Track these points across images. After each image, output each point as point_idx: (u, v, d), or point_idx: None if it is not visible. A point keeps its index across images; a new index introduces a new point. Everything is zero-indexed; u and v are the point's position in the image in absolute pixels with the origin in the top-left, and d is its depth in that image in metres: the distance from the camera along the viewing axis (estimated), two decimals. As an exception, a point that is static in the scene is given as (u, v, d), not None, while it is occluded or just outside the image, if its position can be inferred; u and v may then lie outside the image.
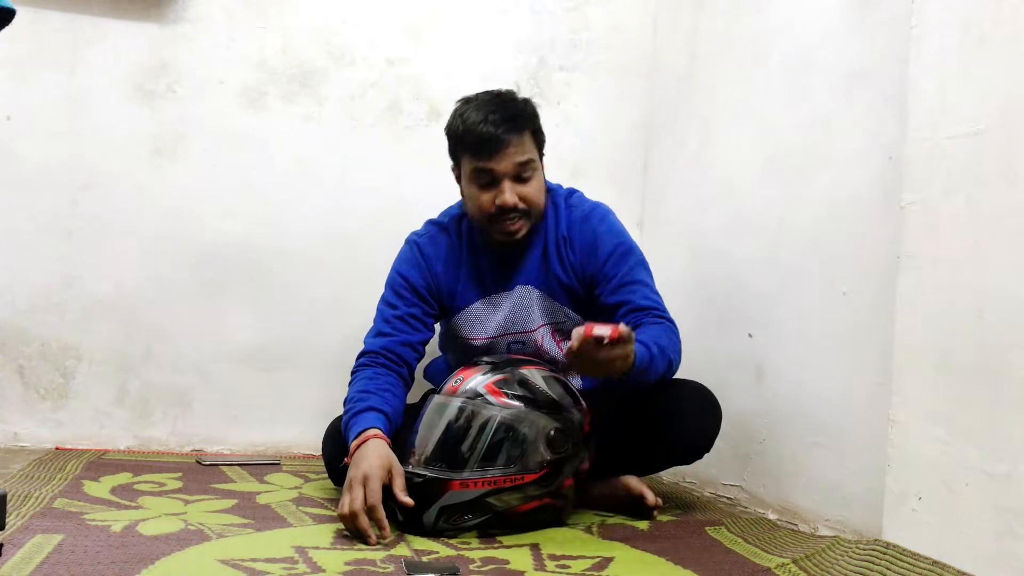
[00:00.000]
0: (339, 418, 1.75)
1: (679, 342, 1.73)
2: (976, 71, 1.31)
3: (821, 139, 1.72)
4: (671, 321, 1.75)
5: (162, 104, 2.21)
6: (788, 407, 1.77)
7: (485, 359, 1.67)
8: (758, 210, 1.91)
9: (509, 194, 1.69)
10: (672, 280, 2.27)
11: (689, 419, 1.73)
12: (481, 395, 1.56)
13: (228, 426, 2.23)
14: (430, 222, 1.90)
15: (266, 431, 2.25)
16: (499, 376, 1.59)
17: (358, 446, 1.53)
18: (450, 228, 1.86)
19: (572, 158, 2.41)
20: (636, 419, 1.73)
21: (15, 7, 1.14)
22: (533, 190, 1.73)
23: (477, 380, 1.58)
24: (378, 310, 1.84)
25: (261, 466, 2.03)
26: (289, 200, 2.27)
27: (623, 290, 1.76)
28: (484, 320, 1.83)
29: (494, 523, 1.53)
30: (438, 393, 1.62)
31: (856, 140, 1.62)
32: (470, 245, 1.83)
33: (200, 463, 2.03)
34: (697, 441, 1.76)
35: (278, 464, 2.07)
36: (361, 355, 1.78)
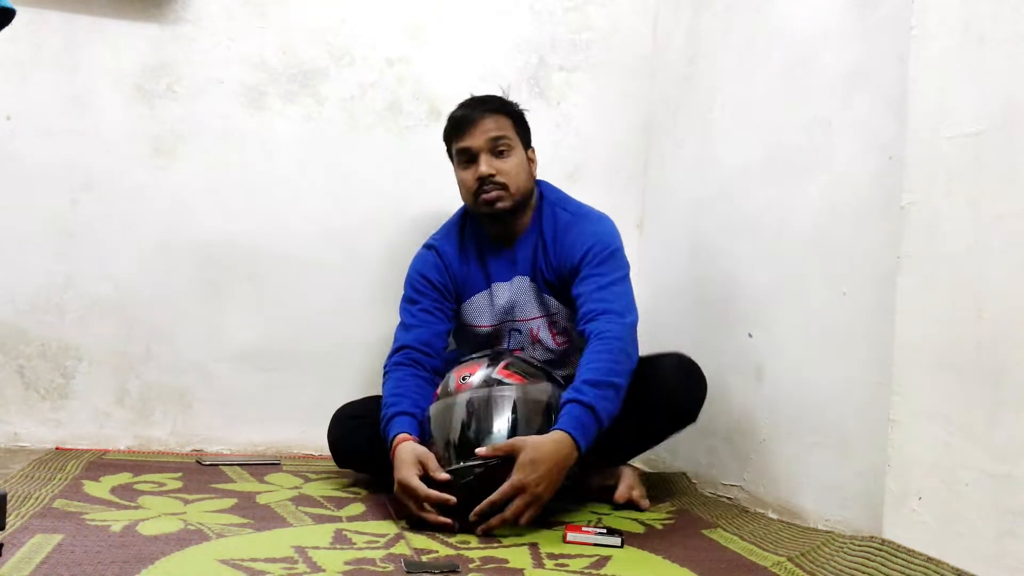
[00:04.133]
0: (345, 405, 1.93)
1: (625, 349, 1.70)
2: (976, 71, 1.31)
3: (821, 139, 1.72)
4: (619, 317, 1.73)
5: (162, 104, 2.21)
6: (788, 407, 1.77)
7: (468, 357, 1.76)
8: (758, 210, 1.91)
9: (484, 165, 1.81)
10: (672, 280, 2.27)
11: (670, 380, 1.79)
12: (499, 380, 1.65)
13: (228, 426, 2.23)
14: (439, 230, 1.99)
15: (266, 431, 2.25)
16: (504, 360, 1.70)
17: (393, 454, 1.63)
18: (456, 228, 1.96)
19: (572, 158, 2.41)
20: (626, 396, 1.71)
21: (15, 7, 1.14)
22: (509, 165, 1.83)
23: (484, 369, 1.67)
24: (401, 310, 1.91)
25: (261, 466, 2.03)
26: (289, 200, 2.27)
27: (585, 283, 1.79)
28: (487, 308, 1.91)
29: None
30: (441, 398, 1.68)
31: (856, 140, 1.62)
32: (475, 239, 1.93)
33: (200, 463, 2.03)
34: (680, 401, 1.80)
35: (278, 464, 2.07)
36: (393, 352, 1.85)
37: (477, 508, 1.51)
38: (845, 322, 1.61)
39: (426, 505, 1.53)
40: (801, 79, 1.80)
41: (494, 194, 1.82)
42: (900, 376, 1.40)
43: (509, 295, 1.90)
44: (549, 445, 1.54)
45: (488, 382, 1.64)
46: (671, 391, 1.79)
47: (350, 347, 2.27)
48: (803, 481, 1.71)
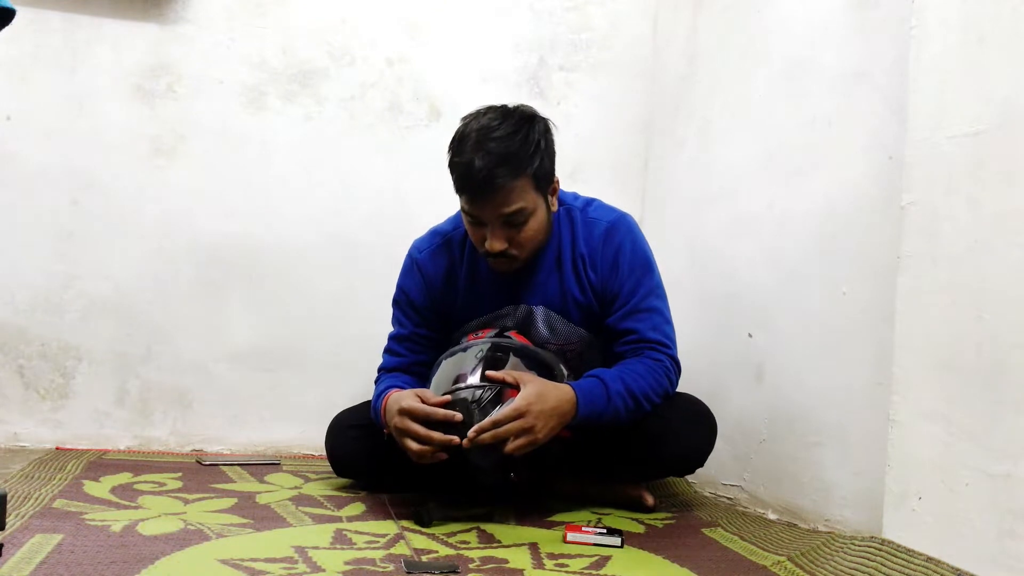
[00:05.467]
0: (342, 413, 1.87)
1: (665, 380, 1.69)
2: (976, 71, 1.31)
3: (821, 139, 1.72)
4: (670, 358, 1.72)
5: (162, 104, 2.21)
6: (788, 407, 1.77)
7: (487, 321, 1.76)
8: (758, 210, 1.91)
9: (494, 241, 1.62)
10: (672, 280, 2.26)
11: (682, 435, 1.72)
12: (507, 336, 1.68)
13: (228, 426, 2.23)
14: (433, 232, 1.85)
15: (266, 431, 2.25)
16: (514, 329, 1.72)
17: (384, 405, 1.63)
18: (453, 241, 1.80)
19: (572, 158, 2.40)
20: (630, 432, 1.69)
21: (15, 7, 1.14)
22: (527, 235, 1.65)
23: (494, 332, 1.69)
24: (393, 315, 1.86)
25: (261, 466, 2.03)
26: (289, 200, 2.27)
27: (633, 317, 1.72)
28: (490, 324, 1.79)
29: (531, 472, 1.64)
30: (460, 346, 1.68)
31: (856, 140, 1.62)
32: (471, 261, 1.78)
33: (200, 463, 2.03)
34: (690, 457, 1.77)
35: (278, 464, 2.07)
36: (381, 369, 1.83)
37: (477, 424, 1.49)
38: (845, 322, 1.61)
39: (432, 433, 1.51)
40: (801, 79, 1.80)
41: (504, 266, 1.68)
42: (900, 376, 1.40)
43: (515, 320, 1.76)
44: (554, 390, 1.55)
45: (499, 335, 1.68)
46: (682, 448, 1.74)
47: (350, 347, 2.27)
48: (803, 481, 1.71)
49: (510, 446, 1.49)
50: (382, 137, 2.33)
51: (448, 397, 1.54)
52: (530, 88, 2.41)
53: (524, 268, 1.73)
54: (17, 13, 1.15)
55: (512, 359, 1.62)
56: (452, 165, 1.63)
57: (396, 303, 1.85)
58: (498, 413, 1.50)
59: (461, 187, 1.62)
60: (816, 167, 1.73)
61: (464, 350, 1.64)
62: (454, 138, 1.64)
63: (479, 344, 1.65)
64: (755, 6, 1.99)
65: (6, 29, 1.14)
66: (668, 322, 1.76)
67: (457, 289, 1.79)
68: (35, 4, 2.13)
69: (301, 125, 2.29)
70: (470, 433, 1.49)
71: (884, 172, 1.52)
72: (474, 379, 1.56)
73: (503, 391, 1.54)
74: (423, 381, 1.72)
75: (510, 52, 2.41)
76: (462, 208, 1.66)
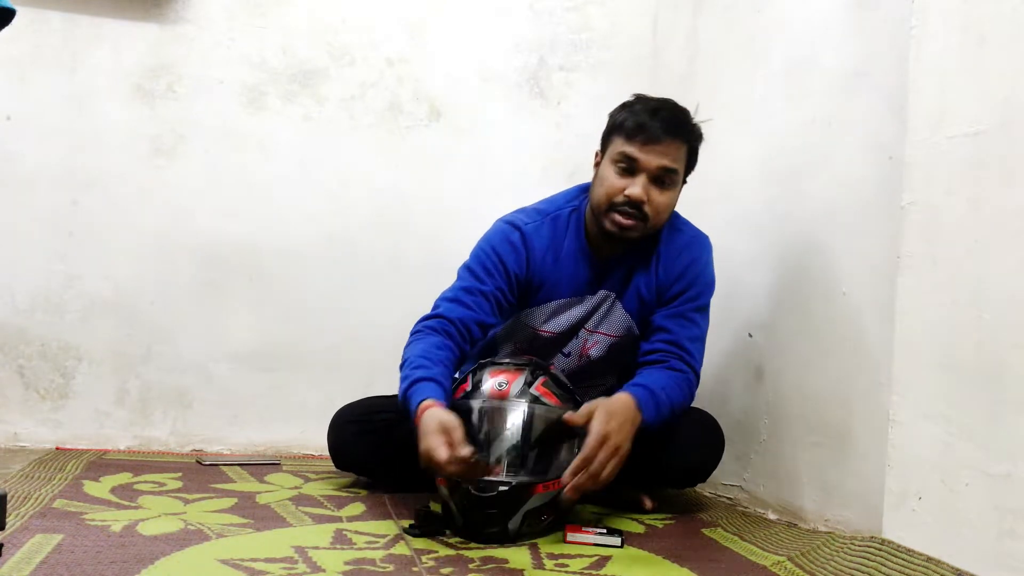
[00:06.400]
0: (344, 408, 1.86)
1: (689, 395, 1.72)
2: (976, 71, 1.31)
3: (821, 139, 1.72)
4: (695, 373, 1.73)
5: (162, 104, 2.21)
6: (788, 407, 1.77)
7: (505, 360, 1.66)
8: (758, 210, 1.91)
9: (639, 188, 1.65)
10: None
11: (689, 453, 1.74)
12: (538, 398, 1.56)
13: (228, 426, 2.23)
14: (536, 210, 1.80)
15: (266, 431, 2.25)
16: (541, 377, 1.60)
17: (417, 421, 1.51)
18: (557, 220, 1.78)
19: (572, 158, 2.40)
20: (637, 445, 1.65)
21: (15, 7, 1.14)
22: (664, 200, 1.68)
23: (523, 381, 1.58)
24: (460, 275, 1.75)
25: (261, 466, 2.03)
26: (289, 200, 2.27)
27: (676, 320, 1.74)
28: (559, 316, 1.78)
29: (560, 518, 1.55)
30: (473, 398, 1.57)
31: (856, 140, 1.62)
32: (575, 244, 1.76)
33: (200, 463, 2.03)
34: (695, 474, 1.80)
35: (278, 464, 2.07)
36: (432, 316, 1.69)
37: (572, 466, 1.47)
38: (845, 322, 1.61)
39: (456, 452, 1.41)
40: (801, 79, 1.80)
41: (631, 222, 1.67)
42: (900, 376, 1.40)
43: (588, 308, 1.77)
44: (618, 402, 1.55)
45: (523, 394, 1.56)
46: (689, 464, 1.76)
47: (350, 347, 2.27)
48: (803, 481, 1.71)
49: (605, 473, 1.49)
50: (382, 137, 2.33)
51: (469, 452, 1.41)
52: (530, 88, 2.41)
53: (618, 253, 1.75)
54: (17, 13, 1.15)
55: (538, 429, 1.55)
56: (627, 116, 1.68)
57: (481, 258, 1.73)
58: (586, 449, 1.47)
59: (634, 131, 1.65)
60: (816, 167, 1.73)
61: (486, 411, 1.55)
62: (626, 102, 1.72)
63: (513, 404, 1.56)
64: (755, 6, 1.99)
65: (6, 29, 1.14)
66: (702, 341, 1.77)
67: (556, 267, 1.76)
68: (35, 4, 2.13)
69: (301, 125, 2.29)
70: (567, 490, 1.47)
71: (884, 172, 1.52)
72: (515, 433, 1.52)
73: (530, 486, 1.48)
74: (466, 354, 1.70)
75: (510, 52, 2.41)
76: (619, 154, 1.67)
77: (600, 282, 1.77)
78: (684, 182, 1.75)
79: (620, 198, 1.66)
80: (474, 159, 2.38)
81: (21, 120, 2.13)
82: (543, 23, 2.43)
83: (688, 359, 1.72)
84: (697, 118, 1.72)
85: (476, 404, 1.56)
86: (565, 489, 1.48)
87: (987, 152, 1.28)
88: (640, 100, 1.71)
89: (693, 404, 1.78)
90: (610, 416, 1.52)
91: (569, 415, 1.53)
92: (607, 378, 1.85)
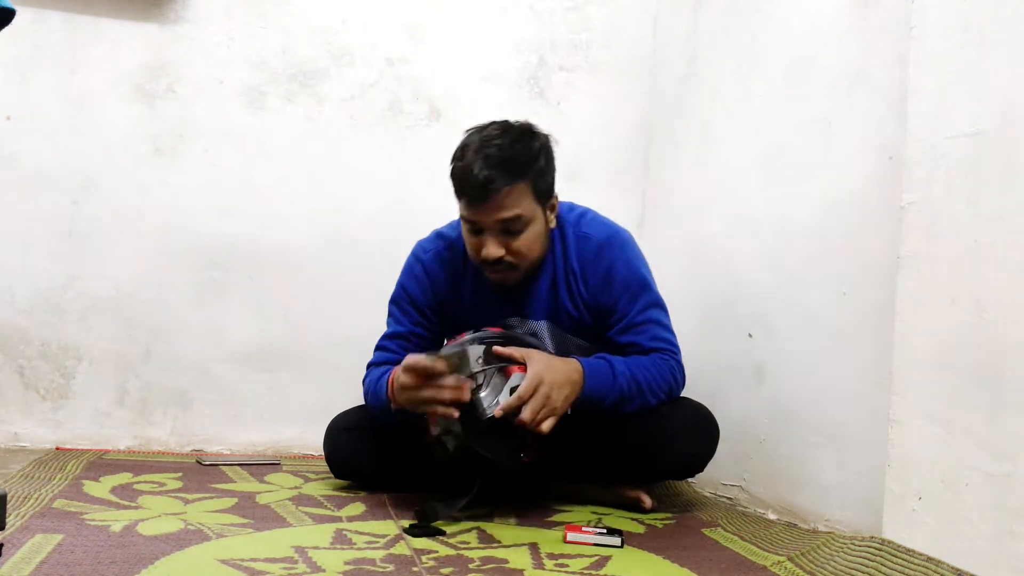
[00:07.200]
0: (339, 416, 1.86)
1: (670, 376, 1.71)
2: (976, 71, 1.31)
3: (821, 139, 1.72)
4: (675, 360, 1.73)
5: (162, 104, 2.21)
6: (788, 407, 1.77)
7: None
8: (758, 210, 1.91)
9: (491, 247, 1.63)
10: (672, 280, 2.26)
11: (683, 441, 1.72)
12: (488, 332, 1.64)
13: (228, 426, 2.23)
14: (438, 235, 1.84)
15: (266, 431, 2.25)
16: (491, 328, 1.68)
17: (391, 383, 1.61)
18: (456, 248, 1.79)
19: (572, 158, 2.40)
20: (632, 435, 1.70)
21: (15, 7, 1.14)
22: (524, 244, 1.65)
23: (472, 333, 1.65)
24: (389, 310, 1.85)
25: (261, 466, 2.03)
26: (289, 200, 2.28)
27: (633, 331, 1.73)
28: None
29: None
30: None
31: (856, 140, 1.62)
32: (476, 273, 1.76)
33: (200, 463, 2.03)
34: (690, 463, 1.78)
35: (278, 464, 2.07)
36: (372, 365, 1.82)
37: (504, 403, 1.50)
38: (845, 322, 1.61)
39: (439, 389, 1.50)
40: (801, 79, 1.80)
41: (500, 276, 1.68)
42: (900, 376, 1.40)
43: (522, 331, 1.76)
44: (561, 361, 1.58)
45: (479, 331, 1.66)
46: (683, 454, 1.74)
47: (350, 347, 2.26)
48: (803, 481, 1.71)
49: (533, 418, 1.50)
50: (382, 137, 2.33)
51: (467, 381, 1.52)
52: (530, 88, 2.41)
53: (524, 282, 1.73)
54: (17, 13, 1.15)
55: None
56: (453, 172, 1.64)
57: (395, 301, 1.84)
58: (520, 388, 1.51)
59: (460, 191, 1.63)
60: (816, 167, 1.73)
61: (457, 345, 1.63)
62: (457, 149, 1.66)
63: (469, 338, 1.64)
64: (755, 6, 1.99)
65: (6, 29, 1.14)
66: (669, 331, 1.77)
67: (461, 296, 1.79)
68: (35, 4, 2.13)
69: (301, 125, 2.29)
70: (497, 411, 1.50)
71: (884, 172, 1.52)
72: (475, 361, 1.55)
73: (504, 369, 1.55)
74: None
75: (510, 52, 2.41)
76: (461, 216, 1.67)
77: (522, 311, 1.77)
78: (549, 198, 1.69)
79: (480, 257, 1.66)
80: (474, 159, 2.38)
81: (21, 120, 2.14)
82: (543, 23, 2.43)
83: (662, 346, 1.73)
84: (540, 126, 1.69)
85: (434, 356, 1.58)
86: (496, 409, 1.50)
87: (987, 152, 1.28)
88: (461, 151, 1.63)
89: (689, 398, 1.78)
90: (549, 367, 1.55)
91: (500, 349, 1.55)
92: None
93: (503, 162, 1.59)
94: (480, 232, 1.64)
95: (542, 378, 1.53)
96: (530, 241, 1.66)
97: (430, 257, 1.81)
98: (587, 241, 1.76)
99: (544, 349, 1.69)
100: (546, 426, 1.53)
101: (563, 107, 2.43)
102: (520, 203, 1.62)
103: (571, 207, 1.83)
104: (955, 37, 1.35)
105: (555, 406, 1.54)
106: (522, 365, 1.56)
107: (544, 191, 1.67)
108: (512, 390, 1.53)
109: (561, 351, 1.74)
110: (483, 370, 1.54)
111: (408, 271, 1.84)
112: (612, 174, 2.46)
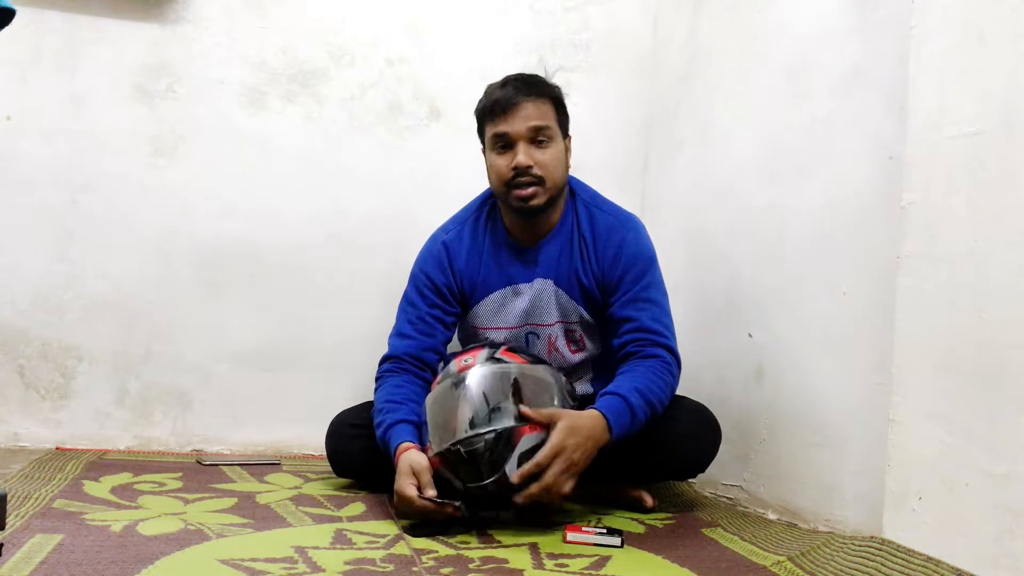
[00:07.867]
0: (342, 413, 1.88)
1: (671, 379, 1.71)
2: (976, 71, 1.31)
3: (821, 139, 1.72)
4: (671, 351, 1.73)
5: (162, 104, 2.21)
6: (788, 407, 1.77)
7: (478, 343, 1.73)
8: (758, 210, 1.91)
9: (523, 155, 1.70)
10: (672, 280, 2.26)
11: (686, 443, 1.74)
12: (499, 358, 1.61)
13: (228, 426, 2.23)
14: (454, 220, 1.90)
15: (266, 431, 2.25)
16: (503, 347, 1.66)
17: (397, 462, 1.59)
18: (473, 220, 1.86)
19: (572, 158, 2.40)
20: (635, 437, 1.68)
21: (15, 7, 1.14)
22: (549, 157, 1.72)
23: (486, 354, 1.62)
24: (401, 306, 1.86)
25: (261, 466, 2.03)
26: (289, 200, 2.27)
27: (634, 306, 1.75)
28: (503, 310, 1.83)
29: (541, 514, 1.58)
30: (444, 379, 1.62)
31: (856, 140, 1.62)
32: (492, 236, 1.84)
33: (200, 463, 2.03)
34: (692, 464, 1.79)
35: (278, 464, 2.07)
36: (386, 359, 1.81)
37: (521, 470, 1.49)
38: (845, 322, 1.61)
39: (427, 499, 1.50)
40: (801, 79, 1.80)
41: (530, 190, 1.71)
42: (900, 376, 1.40)
43: (530, 298, 1.81)
44: (585, 419, 1.56)
45: (490, 358, 1.61)
46: (686, 455, 1.76)
47: (350, 347, 2.27)
48: (803, 481, 1.71)
49: (561, 487, 1.50)
50: (382, 137, 2.33)
51: (433, 494, 1.51)
52: (530, 88, 2.40)
53: (539, 235, 1.79)
54: (17, 13, 1.15)
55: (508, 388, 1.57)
56: (484, 101, 1.77)
57: (414, 282, 1.85)
58: (539, 456, 1.50)
59: (491, 110, 1.73)
60: (816, 167, 1.73)
61: (456, 384, 1.58)
62: (482, 96, 1.79)
63: (478, 369, 1.59)
64: (755, 6, 1.99)
65: (6, 29, 1.14)
66: (667, 315, 1.79)
67: (480, 262, 1.83)
68: (35, 4, 2.13)
69: (301, 125, 2.29)
70: (515, 477, 1.50)
71: (884, 172, 1.52)
72: (483, 423, 1.53)
73: (515, 431, 1.52)
74: (428, 380, 1.75)
75: (510, 52, 2.40)
76: (492, 137, 1.74)
77: (532, 269, 1.80)
78: (567, 136, 1.80)
79: (510, 173, 1.71)
80: (474, 159, 2.37)
81: (21, 120, 2.13)
82: (543, 23, 2.43)
83: (659, 339, 1.73)
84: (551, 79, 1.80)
85: (448, 381, 1.60)
86: (518, 496, 1.50)
87: (987, 152, 1.28)
88: (488, 89, 1.79)
89: (688, 396, 1.79)
90: (572, 431, 1.52)
91: (526, 410, 1.54)
92: (591, 376, 1.88)
93: (530, 82, 1.76)
94: (509, 147, 1.72)
95: (564, 444, 1.51)
96: (553, 157, 1.74)
97: (452, 237, 1.86)
98: (602, 215, 1.82)
99: (549, 364, 1.70)
100: (568, 488, 1.52)
101: (563, 107, 2.43)
102: (547, 116, 1.73)
103: (584, 187, 1.88)
104: (955, 37, 1.35)
105: (577, 469, 1.53)
106: (539, 425, 1.53)
107: (563, 121, 1.79)
108: (522, 455, 1.51)
109: (564, 317, 1.80)
110: (492, 431, 1.52)
111: (426, 254, 1.86)
112: (612, 173, 2.45)
